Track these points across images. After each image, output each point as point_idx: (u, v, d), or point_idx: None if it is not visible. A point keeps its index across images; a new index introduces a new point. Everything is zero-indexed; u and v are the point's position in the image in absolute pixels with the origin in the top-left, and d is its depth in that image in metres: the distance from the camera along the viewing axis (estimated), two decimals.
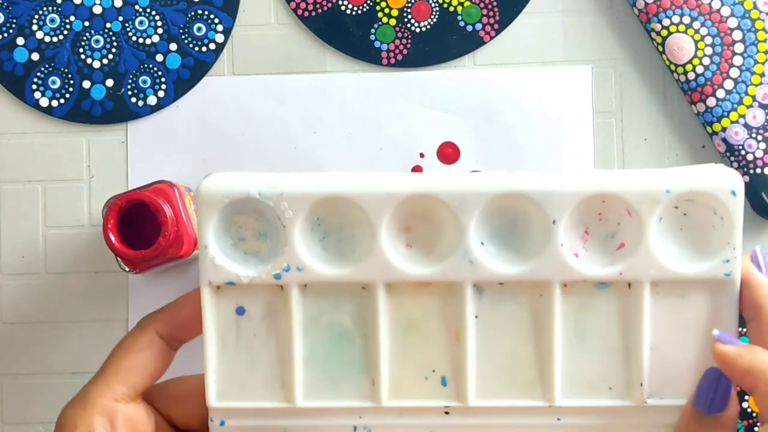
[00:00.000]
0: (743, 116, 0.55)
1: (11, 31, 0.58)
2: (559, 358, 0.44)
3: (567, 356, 0.44)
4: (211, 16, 0.58)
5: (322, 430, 0.45)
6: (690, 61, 0.55)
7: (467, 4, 0.58)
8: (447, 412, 0.44)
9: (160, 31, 0.58)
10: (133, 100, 0.58)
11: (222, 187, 0.44)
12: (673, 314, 0.44)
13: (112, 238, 0.50)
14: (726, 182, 0.43)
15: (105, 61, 0.58)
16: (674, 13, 0.55)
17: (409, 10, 0.58)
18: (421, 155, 0.57)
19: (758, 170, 0.55)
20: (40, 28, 0.58)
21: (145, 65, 0.58)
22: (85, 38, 0.58)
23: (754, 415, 0.56)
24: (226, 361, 0.45)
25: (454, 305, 0.44)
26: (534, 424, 0.44)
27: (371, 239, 0.44)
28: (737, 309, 0.44)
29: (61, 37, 0.58)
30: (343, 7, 0.58)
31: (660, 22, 0.55)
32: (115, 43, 0.58)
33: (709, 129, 0.56)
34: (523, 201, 0.43)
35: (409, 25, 0.58)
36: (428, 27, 0.58)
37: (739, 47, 0.55)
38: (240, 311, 0.45)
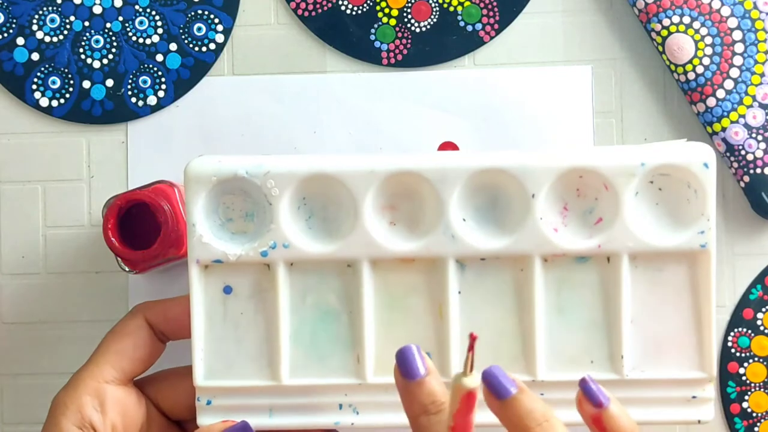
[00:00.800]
0: (743, 116, 0.55)
1: (11, 31, 0.58)
2: (542, 332, 0.45)
3: (549, 330, 0.45)
4: (211, 16, 0.58)
5: (308, 407, 0.45)
6: (690, 61, 0.55)
7: (467, 4, 0.58)
8: None
9: (160, 31, 0.58)
10: (133, 100, 0.58)
11: (210, 166, 0.45)
12: (651, 287, 0.45)
13: (112, 238, 0.50)
14: (698, 155, 0.45)
15: (105, 61, 0.58)
16: (674, 13, 0.55)
17: (409, 10, 0.58)
18: None
19: (758, 170, 0.55)
20: (40, 28, 0.58)
21: (145, 65, 0.58)
22: (85, 38, 0.58)
23: (754, 415, 0.56)
24: (213, 340, 0.45)
25: (437, 281, 0.45)
26: None
27: (355, 216, 0.44)
28: (713, 280, 0.45)
29: (61, 37, 0.58)
30: (343, 7, 0.58)
31: (660, 22, 0.55)
32: (115, 43, 0.58)
33: (709, 129, 0.56)
34: (502, 176, 0.44)
35: (409, 25, 0.58)
36: (428, 27, 0.58)
37: (739, 47, 0.55)
38: (227, 290, 0.46)
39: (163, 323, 0.48)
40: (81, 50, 0.58)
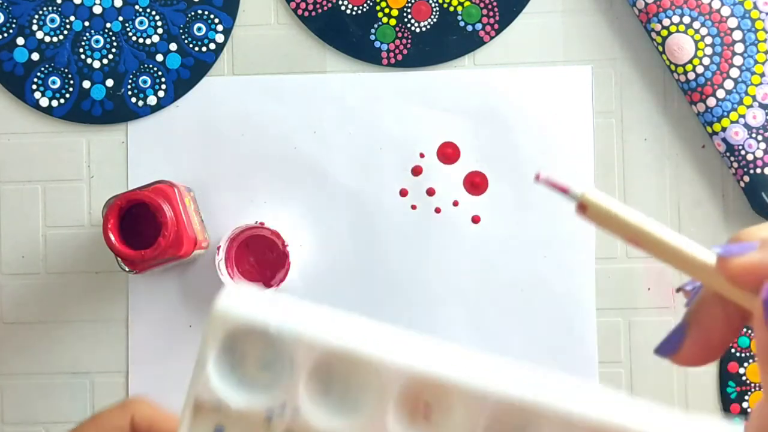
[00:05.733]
0: (743, 116, 0.55)
1: (11, 31, 0.58)
2: None
3: None
4: (211, 16, 0.58)
5: None
6: (690, 61, 0.55)
7: (467, 4, 0.58)
8: None
9: (160, 31, 0.58)
10: (133, 100, 0.58)
11: (240, 310, 0.40)
12: None
13: (112, 238, 0.50)
14: None
15: (105, 61, 0.58)
16: (674, 13, 0.55)
17: (409, 10, 0.58)
18: (421, 155, 0.57)
19: (758, 170, 0.55)
20: (40, 28, 0.58)
21: (145, 65, 0.58)
22: (85, 38, 0.58)
23: None
24: None
25: None
26: None
27: (379, 410, 0.40)
28: None
29: (61, 37, 0.58)
30: (343, 7, 0.58)
31: (660, 22, 0.55)
32: (115, 43, 0.58)
33: (709, 129, 0.56)
34: (536, 416, 0.40)
35: (409, 25, 0.58)
36: (428, 27, 0.58)
37: (739, 47, 0.55)
38: (219, 431, 0.43)
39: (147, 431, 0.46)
40: (81, 50, 0.58)
